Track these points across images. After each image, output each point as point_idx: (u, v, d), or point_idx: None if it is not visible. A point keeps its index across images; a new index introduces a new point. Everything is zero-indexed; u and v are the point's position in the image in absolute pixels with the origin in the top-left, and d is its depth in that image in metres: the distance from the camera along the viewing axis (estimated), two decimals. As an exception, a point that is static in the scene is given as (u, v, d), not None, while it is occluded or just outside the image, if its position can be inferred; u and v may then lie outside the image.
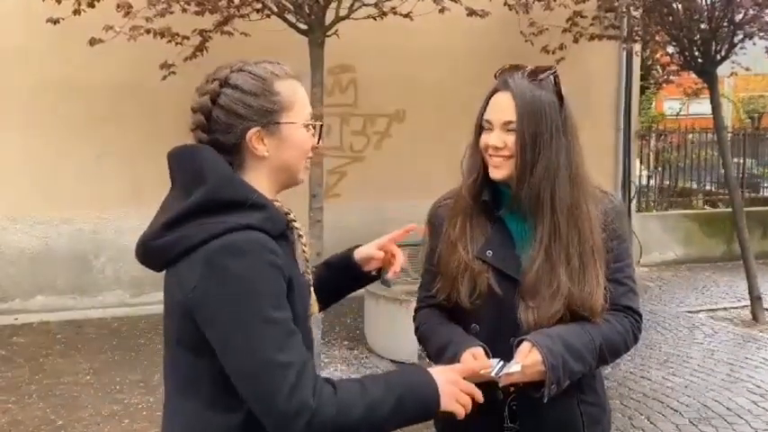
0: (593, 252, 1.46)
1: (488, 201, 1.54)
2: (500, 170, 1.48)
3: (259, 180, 1.28)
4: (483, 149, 1.51)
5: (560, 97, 1.47)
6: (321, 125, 1.37)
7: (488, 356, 1.46)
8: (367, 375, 1.27)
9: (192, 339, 1.21)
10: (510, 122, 1.46)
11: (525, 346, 1.42)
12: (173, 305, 1.24)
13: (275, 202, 1.29)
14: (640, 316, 1.55)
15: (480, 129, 1.52)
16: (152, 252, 1.24)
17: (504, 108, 1.46)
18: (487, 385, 1.47)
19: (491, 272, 1.51)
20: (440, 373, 1.28)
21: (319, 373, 1.22)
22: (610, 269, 1.50)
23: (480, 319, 1.54)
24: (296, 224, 1.33)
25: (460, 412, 1.26)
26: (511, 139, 1.46)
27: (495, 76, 1.52)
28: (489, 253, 1.52)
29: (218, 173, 1.22)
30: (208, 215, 1.19)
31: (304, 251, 1.35)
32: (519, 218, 1.52)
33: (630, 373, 4.73)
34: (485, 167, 1.52)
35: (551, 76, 1.48)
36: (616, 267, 1.51)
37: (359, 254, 1.56)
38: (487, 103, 1.51)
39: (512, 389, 1.49)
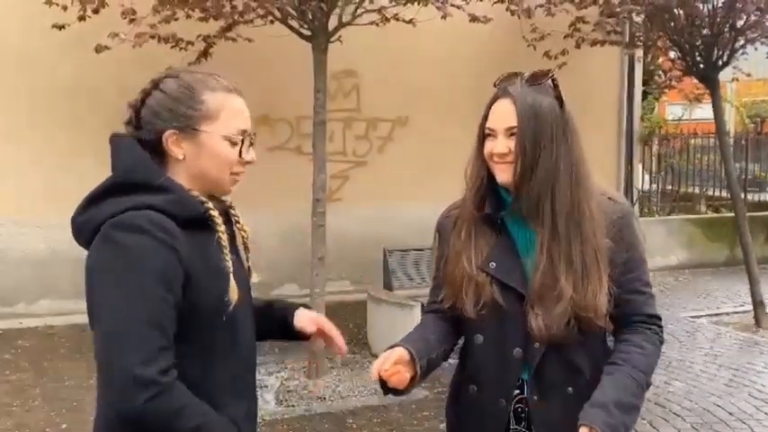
0: (596, 254, 1.46)
1: (480, 208, 1.54)
2: (505, 174, 1.49)
3: (179, 181, 1.34)
4: (488, 157, 1.51)
5: (560, 100, 1.48)
6: (250, 139, 1.38)
7: (413, 359, 1.44)
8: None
9: None
10: (513, 128, 1.47)
11: (584, 431, 1.39)
12: None
13: (192, 191, 1.33)
14: (660, 319, 1.58)
15: (483, 137, 1.52)
16: (75, 228, 1.33)
17: (505, 114, 1.47)
18: (493, 392, 1.52)
19: (495, 283, 1.51)
20: None
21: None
22: (628, 279, 1.51)
23: (484, 329, 1.55)
24: (213, 213, 1.34)
25: None
26: (514, 144, 1.47)
27: (495, 84, 1.53)
28: (493, 265, 1.52)
29: (130, 157, 1.32)
30: (119, 195, 1.28)
31: (220, 239, 1.33)
32: (521, 223, 1.52)
33: (633, 377, 4.74)
34: (488, 175, 1.53)
35: (550, 80, 1.48)
36: (633, 277, 1.52)
37: (298, 321, 1.55)
38: (489, 112, 1.52)
39: (536, 398, 1.52)
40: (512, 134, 1.47)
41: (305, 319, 1.56)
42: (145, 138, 1.34)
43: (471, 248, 1.54)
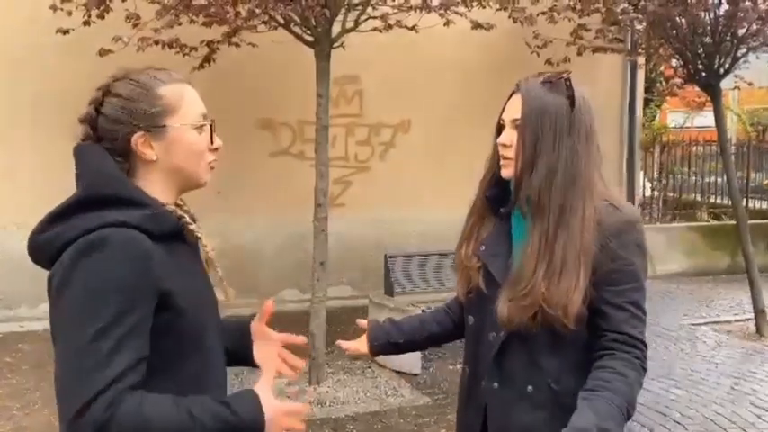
0: (580, 254, 1.43)
1: (490, 198, 1.59)
2: (507, 169, 1.53)
3: (152, 184, 1.28)
4: (499, 150, 1.56)
5: (572, 101, 1.50)
6: (212, 125, 1.34)
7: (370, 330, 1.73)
8: (196, 400, 1.21)
9: None
10: (517, 120, 1.51)
11: None
12: None
13: (167, 205, 1.28)
14: (645, 345, 1.46)
15: (499, 130, 1.57)
16: (36, 247, 1.25)
17: (514, 107, 1.53)
18: (477, 373, 1.59)
19: (482, 269, 1.57)
20: (271, 408, 1.25)
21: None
22: (609, 292, 1.44)
23: (472, 312, 1.63)
24: (191, 227, 1.30)
25: None
26: (516, 136, 1.51)
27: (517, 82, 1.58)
28: (483, 249, 1.59)
29: (96, 169, 1.24)
30: (87, 211, 1.20)
31: (207, 253, 1.33)
32: (521, 218, 1.55)
33: (634, 385, 4.73)
34: (499, 167, 1.57)
35: (563, 81, 1.51)
36: (616, 291, 1.44)
37: (257, 357, 1.52)
38: (504, 105, 1.57)
39: (495, 384, 1.55)
40: (516, 126, 1.51)
41: (259, 354, 1.51)
42: (111, 148, 1.26)
43: (474, 235, 1.62)
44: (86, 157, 1.26)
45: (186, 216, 1.31)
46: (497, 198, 1.59)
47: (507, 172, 1.53)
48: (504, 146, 1.52)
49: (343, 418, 4.16)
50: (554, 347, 1.48)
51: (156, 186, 1.29)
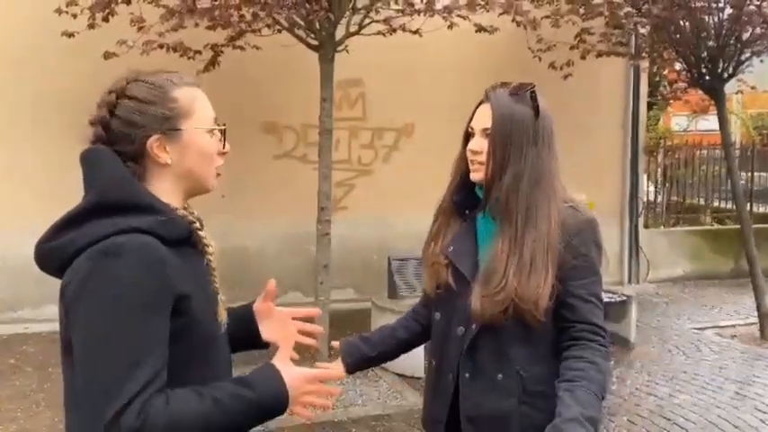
0: (547, 251, 1.56)
1: (457, 201, 1.71)
2: (478, 173, 1.64)
3: (163, 188, 1.27)
4: (467, 154, 1.67)
5: (536, 111, 1.61)
6: (224, 130, 1.33)
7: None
8: (217, 386, 1.21)
9: (71, 345, 1.18)
10: (487, 129, 1.62)
11: None
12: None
13: (179, 210, 1.27)
14: (605, 331, 1.61)
15: (467, 137, 1.68)
16: (44, 255, 1.22)
17: (483, 116, 1.64)
18: (444, 366, 1.69)
19: (450, 267, 1.68)
20: (293, 378, 1.26)
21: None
22: (573, 285, 1.57)
23: (439, 307, 1.74)
24: (201, 233, 1.29)
25: (305, 415, 1.30)
26: (487, 144, 1.61)
27: (485, 91, 1.68)
28: (450, 249, 1.69)
29: (107, 174, 1.21)
30: (99, 217, 1.18)
31: (210, 261, 1.32)
32: (489, 219, 1.66)
33: (637, 389, 4.72)
34: (467, 171, 1.68)
35: (528, 92, 1.61)
36: (579, 284, 1.58)
37: (265, 334, 1.53)
38: (473, 114, 1.68)
39: (467, 375, 1.64)
40: (486, 134, 1.62)
41: (269, 332, 1.52)
42: (123, 151, 1.24)
43: (441, 235, 1.73)
44: (97, 161, 1.23)
45: (197, 222, 1.30)
46: (463, 201, 1.71)
47: (478, 176, 1.64)
48: (475, 152, 1.63)
49: (345, 422, 4.16)
50: (522, 338, 1.59)
51: (166, 190, 1.27)
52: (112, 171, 1.22)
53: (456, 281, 1.66)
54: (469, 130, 1.67)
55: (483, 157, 1.61)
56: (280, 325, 1.53)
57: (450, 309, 1.68)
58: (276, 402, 1.24)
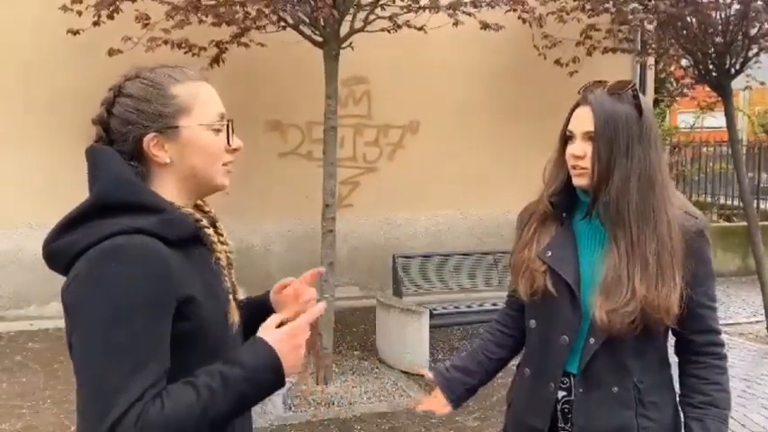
0: (672, 257, 1.52)
1: (556, 204, 1.64)
2: (582, 178, 1.57)
3: (167, 187, 1.23)
4: (567, 159, 1.60)
5: (639, 109, 1.55)
6: (230, 125, 1.28)
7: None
8: (209, 370, 1.16)
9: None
10: (589, 132, 1.55)
11: None
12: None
13: (183, 208, 1.23)
14: (721, 333, 1.64)
15: (565, 141, 1.62)
16: (50, 255, 1.19)
17: (584, 120, 1.56)
18: (543, 375, 1.64)
19: (548, 272, 1.61)
20: (276, 340, 1.20)
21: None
22: (696, 293, 1.55)
23: (536, 314, 1.67)
24: (208, 231, 1.25)
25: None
26: (591, 148, 1.55)
27: (579, 92, 1.63)
28: (549, 254, 1.62)
29: (109, 174, 1.18)
30: (99, 217, 1.15)
31: (219, 259, 1.28)
32: (595, 225, 1.60)
33: (643, 387, 4.70)
34: (567, 177, 1.62)
35: (630, 90, 1.56)
36: (701, 291, 1.57)
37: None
38: (570, 116, 1.62)
39: (564, 395, 1.61)
40: (589, 138, 1.55)
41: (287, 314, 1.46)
42: (123, 150, 1.21)
43: (535, 240, 1.66)
44: (98, 160, 1.21)
45: (204, 219, 1.26)
46: (560, 205, 1.65)
47: (582, 181, 1.57)
48: (578, 157, 1.56)
49: (350, 419, 4.16)
50: (638, 348, 1.56)
51: (171, 190, 1.24)
52: (112, 171, 1.19)
53: (556, 287, 1.60)
54: (568, 133, 1.60)
55: (587, 162, 1.55)
56: (292, 304, 1.48)
57: (549, 316, 1.63)
58: (269, 369, 1.18)
